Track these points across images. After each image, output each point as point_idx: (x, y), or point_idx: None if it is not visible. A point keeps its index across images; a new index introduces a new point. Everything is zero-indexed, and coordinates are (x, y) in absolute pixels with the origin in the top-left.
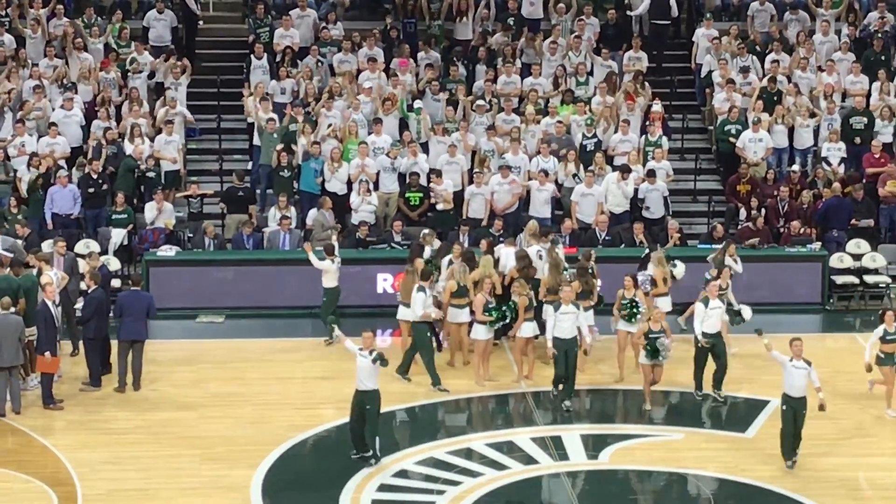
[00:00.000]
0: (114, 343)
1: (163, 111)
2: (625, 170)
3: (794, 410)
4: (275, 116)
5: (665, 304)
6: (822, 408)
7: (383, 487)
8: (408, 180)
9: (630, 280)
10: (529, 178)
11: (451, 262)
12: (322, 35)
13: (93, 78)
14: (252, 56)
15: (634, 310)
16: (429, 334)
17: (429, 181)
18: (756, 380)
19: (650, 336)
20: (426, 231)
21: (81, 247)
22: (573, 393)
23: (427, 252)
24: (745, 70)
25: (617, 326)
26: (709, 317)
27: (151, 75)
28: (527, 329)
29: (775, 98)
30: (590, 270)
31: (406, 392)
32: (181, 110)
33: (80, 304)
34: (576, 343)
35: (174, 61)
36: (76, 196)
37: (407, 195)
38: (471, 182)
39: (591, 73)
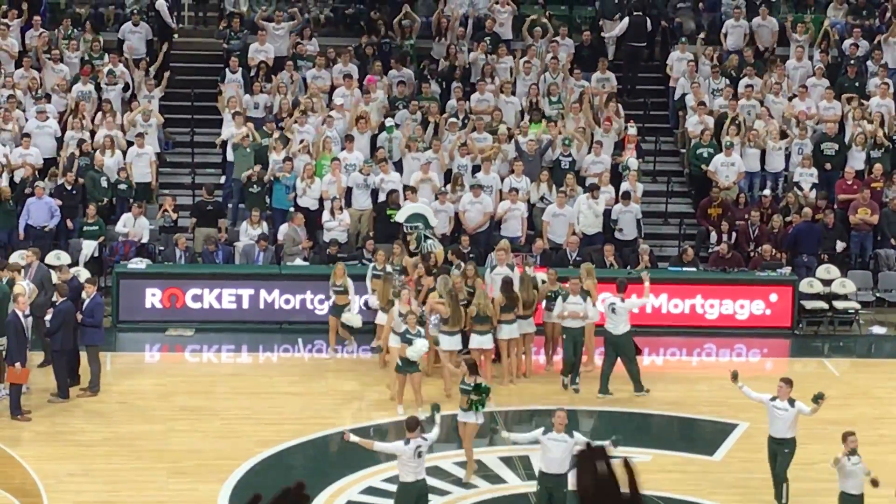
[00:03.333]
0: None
1: (130, 118)
2: (593, 188)
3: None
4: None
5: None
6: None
7: None
8: (387, 198)
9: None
10: (501, 198)
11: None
12: (297, 50)
13: (67, 89)
14: (227, 70)
15: (482, 397)
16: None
17: (404, 198)
18: (724, 402)
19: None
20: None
21: (52, 258)
22: None
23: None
24: (717, 92)
25: (459, 417)
26: (851, 475)
27: (126, 87)
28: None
29: (744, 122)
30: (533, 281)
31: (370, 408)
32: (153, 121)
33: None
34: (565, 481)
35: (150, 74)
36: (53, 209)
37: (388, 212)
38: (435, 199)
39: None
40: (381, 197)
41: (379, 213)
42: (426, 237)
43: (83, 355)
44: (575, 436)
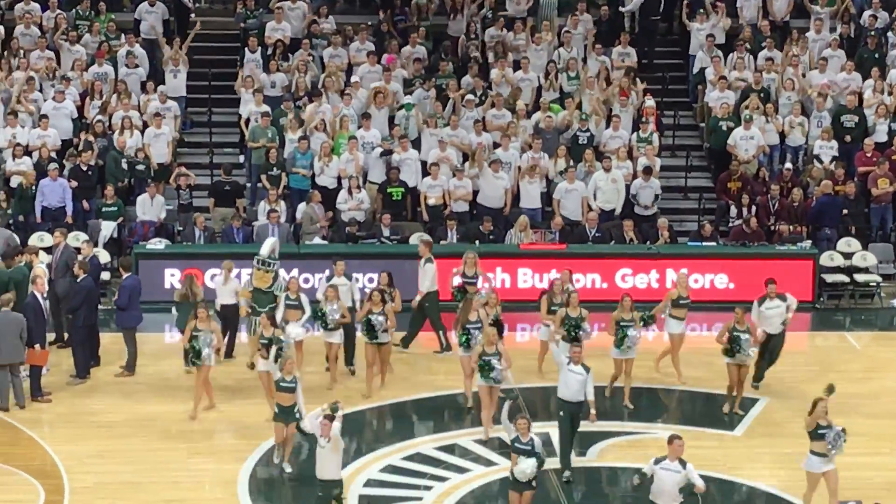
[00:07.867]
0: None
1: (153, 104)
2: (607, 160)
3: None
4: (268, 110)
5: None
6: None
7: (371, 482)
8: (388, 176)
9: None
10: (520, 173)
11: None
12: (313, 29)
13: (84, 70)
14: (246, 49)
15: None
16: None
17: (425, 175)
18: (746, 378)
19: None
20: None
21: (71, 238)
22: None
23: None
24: (737, 66)
25: None
26: None
27: (137, 66)
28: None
29: (765, 95)
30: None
31: (397, 388)
32: (172, 104)
33: None
34: None
35: (176, 49)
36: (66, 189)
37: (389, 190)
38: (453, 175)
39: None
40: (403, 175)
41: (383, 193)
42: (278, 275)
43: (119, 336)
44: (688, 467)
